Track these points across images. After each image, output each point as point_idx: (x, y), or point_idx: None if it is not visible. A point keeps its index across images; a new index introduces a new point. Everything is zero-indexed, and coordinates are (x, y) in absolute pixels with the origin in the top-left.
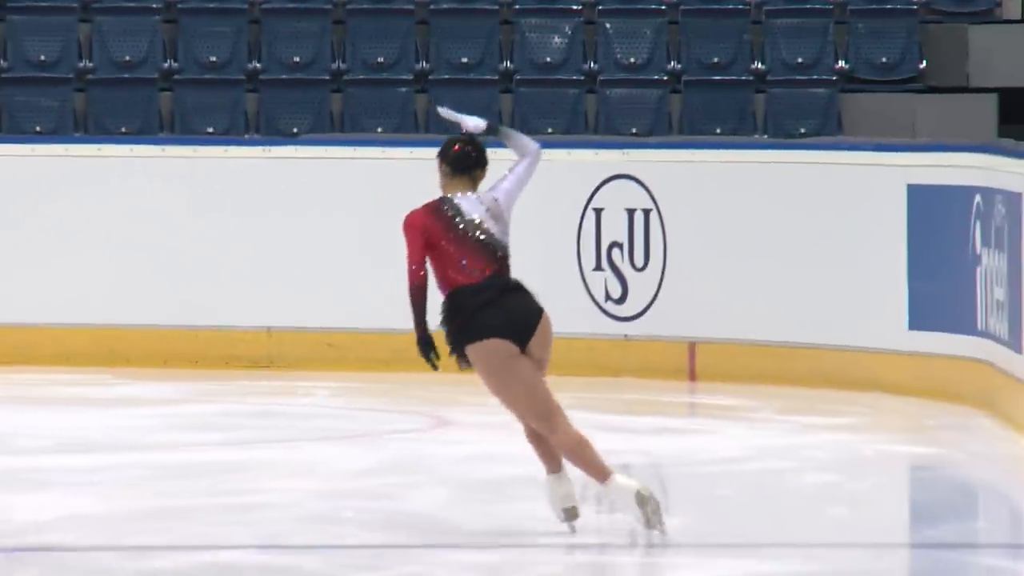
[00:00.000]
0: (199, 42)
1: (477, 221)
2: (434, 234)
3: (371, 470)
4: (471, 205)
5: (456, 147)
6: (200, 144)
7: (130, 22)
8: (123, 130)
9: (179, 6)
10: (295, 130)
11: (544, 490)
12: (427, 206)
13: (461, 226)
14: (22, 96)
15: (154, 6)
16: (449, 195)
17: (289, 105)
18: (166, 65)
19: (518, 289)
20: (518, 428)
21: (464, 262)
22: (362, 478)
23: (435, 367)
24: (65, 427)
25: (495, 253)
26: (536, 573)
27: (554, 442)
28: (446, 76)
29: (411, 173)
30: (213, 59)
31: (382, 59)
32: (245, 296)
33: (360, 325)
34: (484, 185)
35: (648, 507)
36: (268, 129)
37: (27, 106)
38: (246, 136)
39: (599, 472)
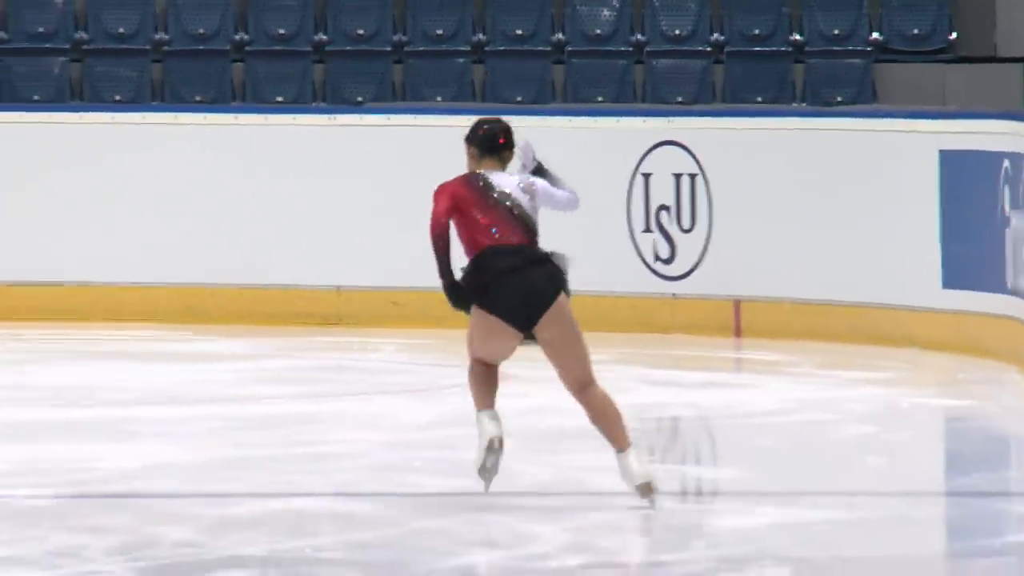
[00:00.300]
0: (269, 15)
1: (509, 192)
2: (464, 200)
3: (436, 422)
4: (503, 179)
5: (484, 128)
6: (270, 112)
7: None
8: (198, 99)
9: None
10: (359, 99)
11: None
12: (459, 177)
13: (494, 195)
14: (103, 67)
15: None
16: (481, 171)
17: (353, 75)
18: (238, 37)
19: (543, 263)
20: None
21: (495, 230)
22: (427, 430)
23: (467, 311)
24: (150, 381)
25: (526, 224)
26: (592, 519)
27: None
28: (501, 48)
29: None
30: (282, 32)
31: (441, 31)
32: (316, 257)
33: (424, 284)
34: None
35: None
36: (334, 98)
37: (107, 76)
38: (313, 105)
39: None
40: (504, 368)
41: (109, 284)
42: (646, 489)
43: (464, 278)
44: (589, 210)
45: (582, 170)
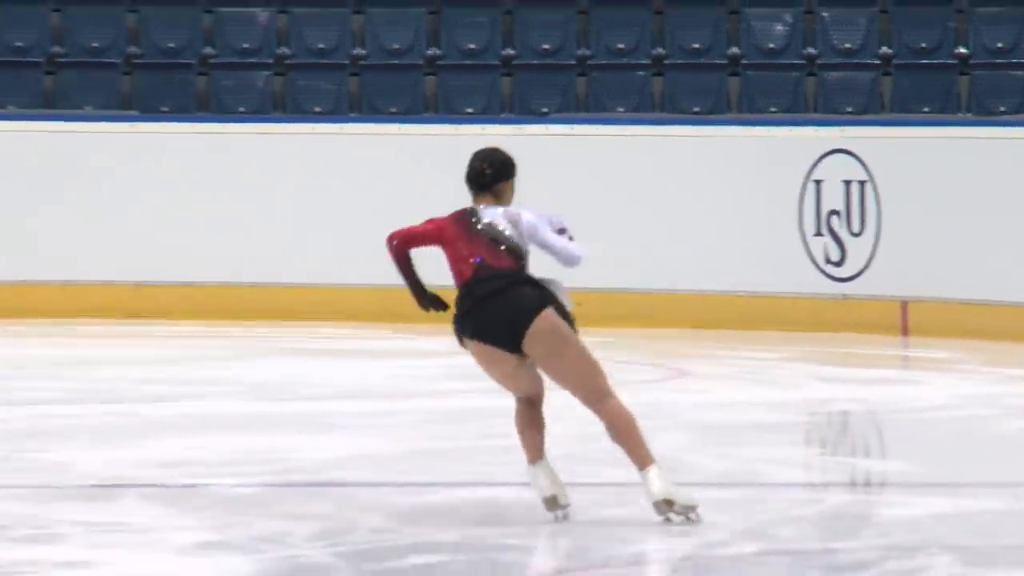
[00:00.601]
0: (460, 32)
1: (491, 223)
2: (450, 235)
3: None
4: (491, 212)
5: (470, 164)
6: (460, 123)
7: (399, 13)
8: (392, 111)
9: None
10: (544, 110)
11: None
12: (453, 213)
13: (480, 227)
14: (304, 80)
15: None
16: (475, 206)
17: (539, 88)
18: (430, 52)
19: (525, 284)
20: (753, 378)
21: (478, 259)
22: None
23: (439, 309)
24: (350, 376)
25: (512, 252)
26: (767, 508)
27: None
28: (680, 61)
29: (647, 148)
30: (472, 47)
31: (623, 45)
32: None
33: (601, 285)
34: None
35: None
36: (520, 109)
37: (308, 89)
38: (501, 116)
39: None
40: (685, 365)
41: (315, 286)
42: (663, 506)
43: (456, 309)
44: (763, 215)
45: (756, 177)
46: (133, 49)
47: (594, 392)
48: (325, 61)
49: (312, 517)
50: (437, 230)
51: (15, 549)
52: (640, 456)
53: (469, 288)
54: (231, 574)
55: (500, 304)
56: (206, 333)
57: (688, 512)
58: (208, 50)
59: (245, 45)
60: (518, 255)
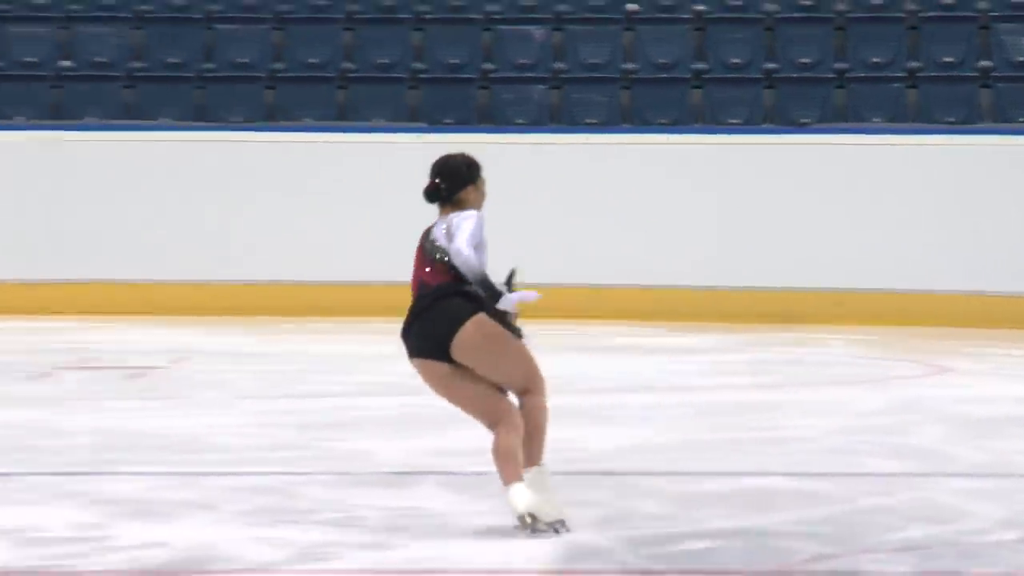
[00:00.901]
0: (724, 47)
1: (435, 240)
2: (417, 253)
3: (880, 410)
4: (439, 225)
5: (431, 182)
6: (726, 133)
7: (666, 31)
8: (661, 122)
9: (706, 16)
10: (805, 121)
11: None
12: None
13: (426, 245)
14: (578, 94)
15: (685, 16)
16: (437, 219)
17: (799, 100)
18: (697, 66)
19: (452, 296)
20: (1014, 374)
21: (422, 279)
22: (874, 416)
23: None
24: (629, 371)
25: (445, 265)
26: (1023, 499)
27: (503, 430)
28: (933, 74)
29: (902, 156)
30: (736, 61)
31: (879, 59)
32: (769, 261)
33: (863, 285)
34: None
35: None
36: (782, 120)
37: (582, 102)
38: (763, 126)
39: (511, 475)
40: (947, 362)
41: (584, 286)
42: (524, 520)
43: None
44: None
45: (1010, 184)
46: (418, 65)
47: (520, 386)
48: (598, 75)
49: (593, 504)
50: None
51: (319, 532)
52: (532, 457)
53: (410, 308)
54: (519, 557)
55: (429, 318)
56: None
57: (556, 525)
58: (488, 65)
59: (523, 60)
60: (452, 267)
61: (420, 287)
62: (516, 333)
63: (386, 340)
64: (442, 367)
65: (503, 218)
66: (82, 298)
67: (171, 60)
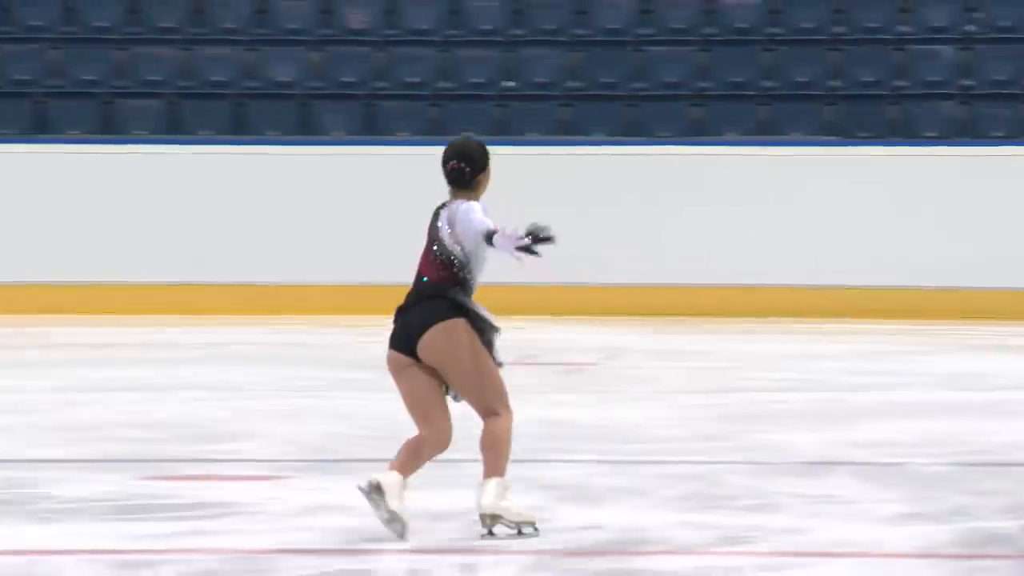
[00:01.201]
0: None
1: (439, 227)
2: (429, 226)
3: None
4: (446, 213)
5: (451, 164)
6: None
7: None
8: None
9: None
10: None
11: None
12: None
13: (432, 231)
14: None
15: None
16: (449, 200)
17: None
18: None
19: (433, 298)
20: None
21: (419, 269)
22: None
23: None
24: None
25: (443, 261)
26: None
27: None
28: None
29: None
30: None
31: None
32: None
33: None
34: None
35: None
36: None
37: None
38: None
39: (400, 466)
40: None
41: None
42: (487, 519)
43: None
44: None
45: None
46: (834, 83)
47: (483, 406)
48: (1005, 92)
49: (997, 493)
50: None
51: (741, 517)
52: (492, 467)
53: (404, 301)
54: (928, 541)
55: (409, 315)
56: (897, 330)
57: (522, 526)
58: (900, 82)
59: (932, 78)
60: (449, 264)
61: (416, 277)
62: (491, 354)
63: (810, 339)
64: (404, 360)
65: (902, 224)
66: (523, 300)
67: (604, 80)
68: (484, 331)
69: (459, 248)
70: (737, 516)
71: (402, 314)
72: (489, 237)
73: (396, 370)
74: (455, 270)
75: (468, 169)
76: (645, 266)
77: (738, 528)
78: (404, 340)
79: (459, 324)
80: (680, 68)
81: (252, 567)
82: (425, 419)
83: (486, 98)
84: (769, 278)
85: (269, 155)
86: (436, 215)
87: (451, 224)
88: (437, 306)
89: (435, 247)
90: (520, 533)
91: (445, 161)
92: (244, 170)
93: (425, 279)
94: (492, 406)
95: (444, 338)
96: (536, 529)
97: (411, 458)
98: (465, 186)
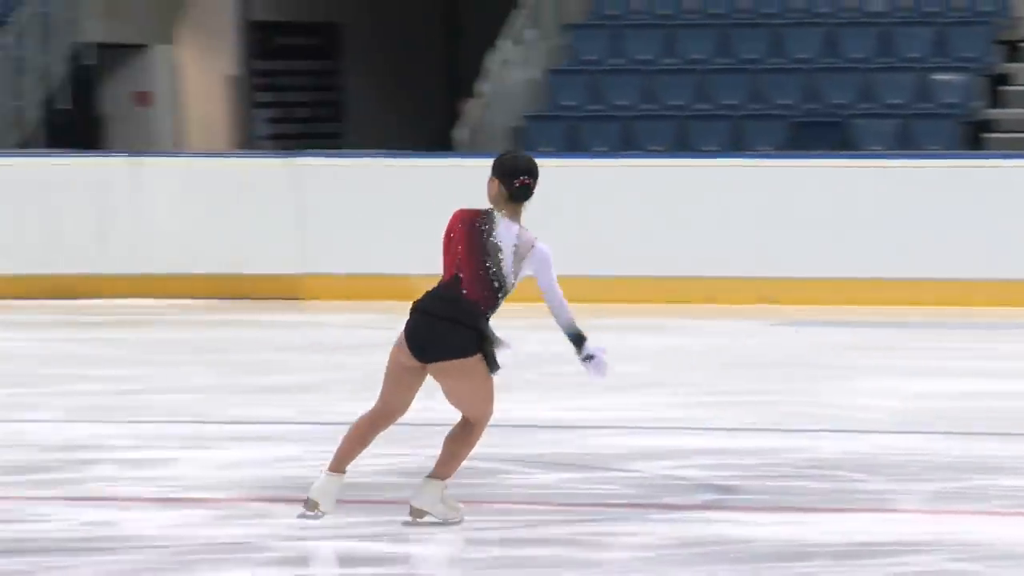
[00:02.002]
0: None
1: (501, 246)
2: (457, 235)
3: None
4: (506, 231)
5: (520, 180)
6: None
7: None
8: None
9: None
10: None
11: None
12: (468, 212)
13: (486, 242)
14: None
15: None
16: (493, 211)
17: None
18: None
19: (462, 325)
20: None
21: (460, 274)
22: None
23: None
24: None
25: (490, 281)
26: None
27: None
28: None
29: None
30: None
31: None
32: None
33: None
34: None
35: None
36: None
37: None
38: None
39: (336, 462)
40: None
41: None
42: (416, 513)
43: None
44: None
45: None
46: None
47: (474, 416)
48: None
49: None
50: (446, 235)
51: None
52: (444, 470)
53: (432, 295)
54: None
55: (436, 331)
56: None
57: (449, 519)
58: None
59: None
60: (496, 288)
61: (451, 285)
62: (494, 366)
63: None
64: (413, 363)
65: None
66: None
67: None
68: (491, 347)
69: (512, 279)
70: None
71: (429, 318)
72: (579, 340)
73: (401, 367)
74: (498, 295)
75: (533, 187)
76: None
77: None
78: (418, 349)
79: (478, 363)
80: None
81: None
82: (385, 402)
83: None
84: None
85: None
86: (483, 228)
87: (516, 256)
88: (464, 337)
89: (488, 264)
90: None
91: (515, 174)
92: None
93: (464, 292)
94: (480, 418)
95: (459, 374)
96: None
97: (354, 450)
98: (522, 203)
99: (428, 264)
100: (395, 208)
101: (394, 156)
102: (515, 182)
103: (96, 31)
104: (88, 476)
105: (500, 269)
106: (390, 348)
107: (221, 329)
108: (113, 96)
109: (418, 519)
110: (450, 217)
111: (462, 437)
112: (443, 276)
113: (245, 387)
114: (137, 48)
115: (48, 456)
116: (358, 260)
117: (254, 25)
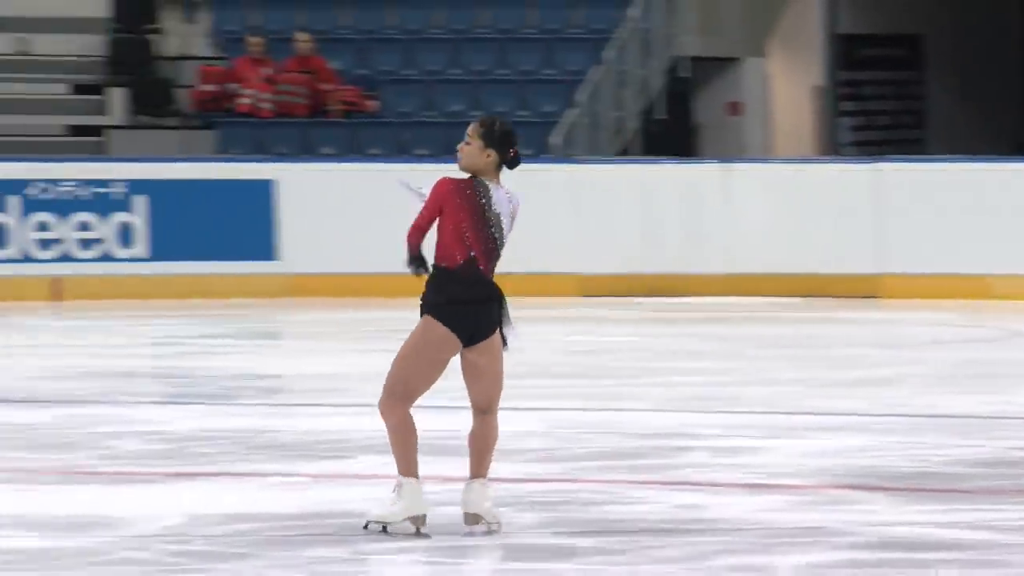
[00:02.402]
0: None
1: (501, 216)
2: (451, 208)
3: None
4: (500, 199)
5: (514, 151)
6: None
7: None
8: None
9: None
10: None
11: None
12: (457, 183)
13: (488, 213)
14: None
15: None
16: (483, 179)
17: None
18: None
19: (495, 302)
20: None
21: (473, 253)
22: None
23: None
24: None
25: (495, 249)
26: None
27: (381, 410)
28: None
29: None
30: None
31: None
32: None
33: None
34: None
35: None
36: None
37: None
38: None
39: (403, 467)
40: None
41: None
42: (472, 519)
43: (429, 284)
44: None
45: None
46: None
47: (489, 406)
48: None
49: None
50: (436, 204)
51: None
52: (485, 467)
53: (453, 281)
54: None
55: (483, 309)
56: None
57: (491, 526)
58: None
59: None
60: (497, 255)
61: (469, 266)
62: (505, 343)
63: None
64: (456, 347)
65: None
66: None
67: None
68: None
69: (504, 243)
70: None
71: (469, 307)
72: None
73: (442, 361)
74: (497, 261)
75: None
76: None
77: None
78: (467, 338)
79: (499, 339)
80: None
81: None
82: (411, 397)
83: None
84: None
85: None
86: (482, 200)
87: (511, 219)
88: (497, 312)
89: (494, 234)
90: (490, 531)
91: (512, 144)
92: None
93: (481, 268)
94: (495, 397)
95: (497, 350)
96: (500, 526)
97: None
98: (507, 169)
99: (1005, 264)
100: (972, 211)
101: (971, 160)
102: (510, 151)
103: (692, 46)
104: (681, 462)
105: (502, 236)
106: (418, 338)
107: (802, 326)
108: (707, 106)
109: (474, 525)
110: (435, 186)
111: (484, 431)
112: (453, 259)
113: (824, 380)
114: (730, 61)
115: (644, 443)
116: (936, 260)
117: (840, 38)
